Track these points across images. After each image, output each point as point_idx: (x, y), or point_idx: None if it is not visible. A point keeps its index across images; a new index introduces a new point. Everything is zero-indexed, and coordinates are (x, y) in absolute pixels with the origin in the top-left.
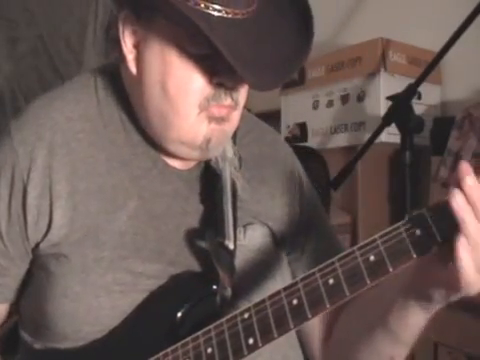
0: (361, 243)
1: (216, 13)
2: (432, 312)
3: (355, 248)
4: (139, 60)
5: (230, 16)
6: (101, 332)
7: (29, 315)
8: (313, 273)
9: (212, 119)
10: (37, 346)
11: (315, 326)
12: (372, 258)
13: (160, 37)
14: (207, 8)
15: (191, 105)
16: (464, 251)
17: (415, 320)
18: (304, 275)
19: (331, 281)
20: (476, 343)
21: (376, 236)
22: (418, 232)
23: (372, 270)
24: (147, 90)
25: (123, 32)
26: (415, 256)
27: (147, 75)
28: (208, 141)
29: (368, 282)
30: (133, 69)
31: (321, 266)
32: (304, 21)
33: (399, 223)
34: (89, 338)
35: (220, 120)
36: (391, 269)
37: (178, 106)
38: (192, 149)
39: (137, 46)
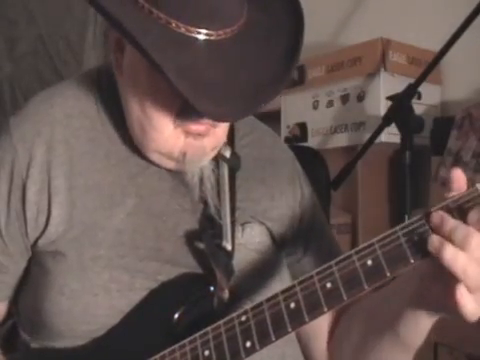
0: (358, 247)
1: (200, 36)
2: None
3: (352, 252)
4: (123, 67)
5: (213, 38)
6: (97, 331)
7: (26, 313)
8: (311, 276)
9: (189, 134)
10: (34, 345)
11: (322, 328)
12: (370, 262)
13: (133, 55)
14: (190, 32)
15: (166, 121)
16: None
17: (426, 325)
18: (301, 278)
19: (329, 285)
20: (476, 343)
21: (374, 240)
22: (416, 237)
23: (370, 275)
24: (128, 98)
25: (112, 36)
26: (412, 261)
27: (128, 84)
28: (184, 154)
29: (366, 287)
30: (118, 73)
31: (318, 270)
32: (290, 48)
33: (397, 227)
34: (85, 337)
35: (197, 136)
36: (388, 274)
37: (154, 120)
38: (169, 160)
39: (122, 53)
